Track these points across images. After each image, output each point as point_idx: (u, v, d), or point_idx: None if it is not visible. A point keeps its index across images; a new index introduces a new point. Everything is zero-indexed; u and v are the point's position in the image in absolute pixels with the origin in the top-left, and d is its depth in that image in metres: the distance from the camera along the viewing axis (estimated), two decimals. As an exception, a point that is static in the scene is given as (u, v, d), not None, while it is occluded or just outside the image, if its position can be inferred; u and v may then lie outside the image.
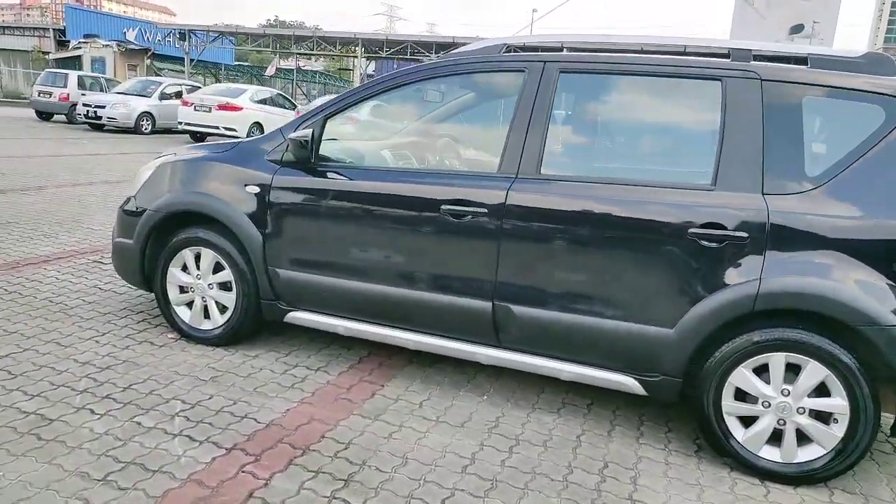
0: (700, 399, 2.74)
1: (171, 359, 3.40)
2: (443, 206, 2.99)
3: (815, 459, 2.64)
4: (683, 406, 3.05)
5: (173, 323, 3.68)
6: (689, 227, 2.65)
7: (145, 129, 18.29)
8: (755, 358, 2.64)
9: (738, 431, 2.73)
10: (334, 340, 3.78)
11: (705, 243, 2.63)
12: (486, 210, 2.92)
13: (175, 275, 3.61)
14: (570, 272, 2.85)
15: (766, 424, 2.67)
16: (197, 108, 16.71)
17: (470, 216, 2.95)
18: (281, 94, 19.69)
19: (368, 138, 3.64)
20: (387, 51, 23.07)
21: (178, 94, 19.11)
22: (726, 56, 2.85)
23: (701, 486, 2.64)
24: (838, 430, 2.59)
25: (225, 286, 3.54)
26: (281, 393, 3.12)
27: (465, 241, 2.99)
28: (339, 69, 39.52)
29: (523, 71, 3.00)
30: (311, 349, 3.68)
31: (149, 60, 28.78)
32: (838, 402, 2.57)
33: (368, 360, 3.60)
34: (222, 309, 3.57)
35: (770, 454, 2.70)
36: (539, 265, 2.90)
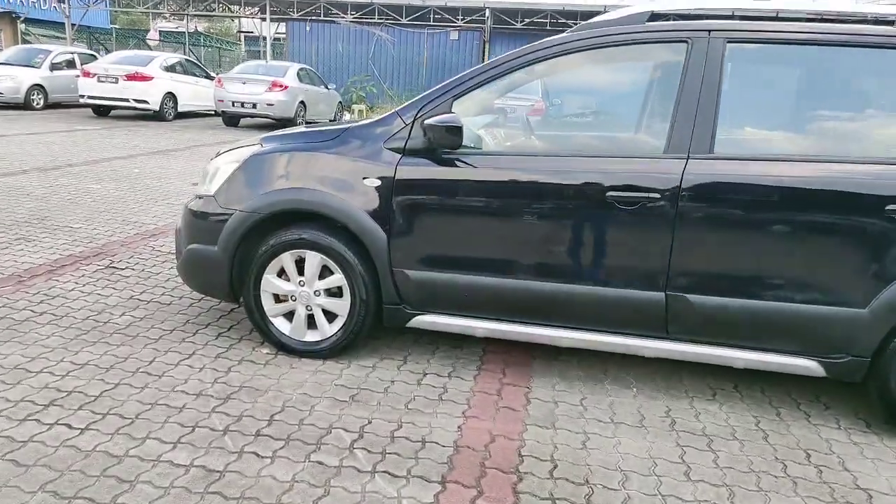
0: (886, 377, 2.72)
1: (287, 378, 3.01)
2: (609, 193, 2.77)
3: None
4: (818, 381, 2.96)
5: (269, 336, 3.25)
6: (886, 202, 2.58)
7: (37, 103, 16.45)
8: (944, 334, 2.64)
9: (921, 406, 2.74)
10: (440, 339, 3.50)
11: (903, 221, 2.57)
12: (658, 195, 2.73)
13: (271, 283, 3.17)
14: (754, 256, 2.72)
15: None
16: (101, 79, 15.13)
17: (640, 202, 2.74)
18: (190, 61, 18.21)
19: (501, 122, 3.31)
20: (298, 12, 21.83)
21: (71, 64, 17.29)
22: (890, 23, 2.78)
23: (901, 463, 2.63)
24: None
25: (333, 292, 3.15)
26: (435, 407, 2.83)
27: (633, 228, 2.79)
28: (239, 32, 37.10)
29: (686, 42, 2.79)
30: (423, 352, 3.38)
31: (23, 26, 25.72)
32: None
33: (491, 360, 3.35)
34: (329, 318, 3.19)
35: None
36: (718, 251, 2.75)
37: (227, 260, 3.16)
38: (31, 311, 3.58)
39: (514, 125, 3.67)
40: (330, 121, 17.24)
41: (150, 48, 30.05)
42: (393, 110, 3.10)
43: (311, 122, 16.12)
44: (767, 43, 2.77)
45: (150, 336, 3.37)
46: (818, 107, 2.91)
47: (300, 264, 3.16)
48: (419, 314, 3.10)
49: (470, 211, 2.94)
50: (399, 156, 2.98)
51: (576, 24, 13.93)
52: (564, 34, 3.00)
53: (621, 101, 3.32)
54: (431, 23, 20.70)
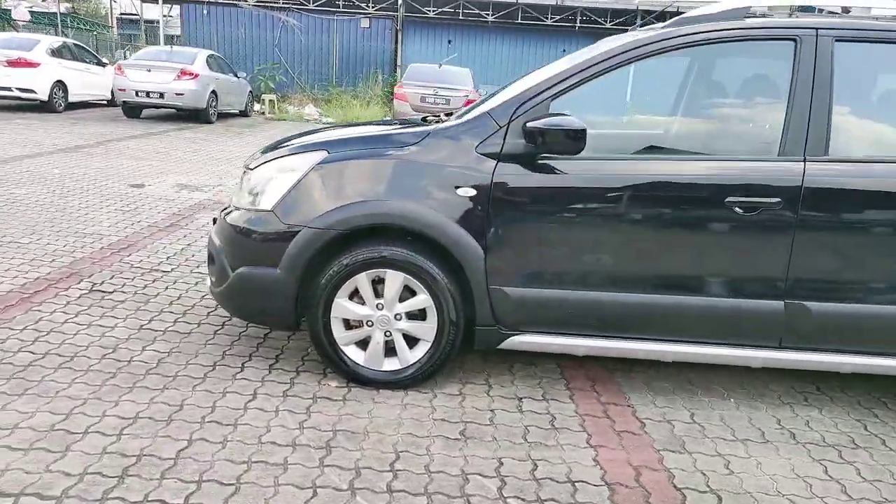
0: None
1: (379, 416, 2.65)
2: (727, 199, 2.62)
3: None
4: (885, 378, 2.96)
5: (339, 367, 2.87)
6: None
7: None
8: None
9: None
10: (510, 357, 3.23)
11: None
12: (778, 199, 2.61)
13: (344, 307, 2.79)
14: (877, 260, 2.67)
15: None
16: (-24, 64, 13.40)
17: (760, 207, 2.61)
18: (79, 45, 16.50)
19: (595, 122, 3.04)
20: (196, -5, 20.32)
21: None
22: None
23: None
24: None
25: (413, 315, 2.82)
26: (556, 438, 2.59)
27: (753, 235, 2.67)
28: (121, 14, 34.15)
29: (794, 40, 2.68)
30: (501, 372, 3.13)
31: None
32: None
33: (574, 377, 3.14)
34: (410, 343, 2.86)
35: None
36: (839, 256, 2.68)
37: (294, 283, 2.74)
38: (30, 352, 2.97)
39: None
40: (240, 112, 16.23)
41: (16, 30, 27.07)
42: (482, 111, 2.79)
43: (223, 113, 15.12)
44: (877, 42, 2.71)
45: (192, 375, 2.88)
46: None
47: (376, 285, 2.80)
48: (515, 335, 2.83)
49: (580, 221, 2.70)
50: (494, 162, 2.69)
51: (488, 13, 13.81)
52: (664, 29, 2.81)
53: (726, 99, 3.18)
54: (341, 9, 19.99)
